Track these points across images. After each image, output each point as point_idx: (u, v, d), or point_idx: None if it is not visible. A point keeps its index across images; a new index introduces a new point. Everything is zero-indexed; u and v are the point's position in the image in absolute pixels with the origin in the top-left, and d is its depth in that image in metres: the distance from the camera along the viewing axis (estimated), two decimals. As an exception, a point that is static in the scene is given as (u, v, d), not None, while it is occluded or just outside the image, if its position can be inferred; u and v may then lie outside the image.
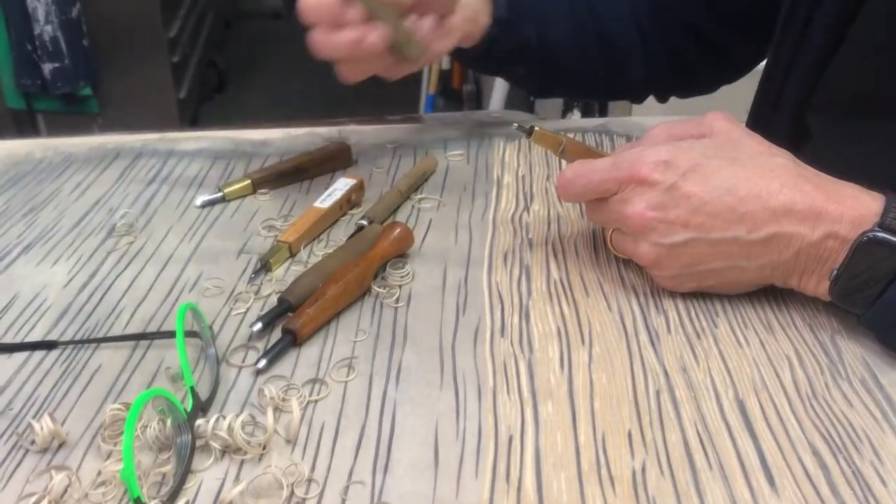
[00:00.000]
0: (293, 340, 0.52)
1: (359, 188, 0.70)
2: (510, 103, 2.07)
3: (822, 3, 0.64)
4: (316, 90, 3.77)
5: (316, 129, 0.84)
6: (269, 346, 0.51)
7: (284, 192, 0.72)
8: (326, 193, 0.68)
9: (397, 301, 0.56)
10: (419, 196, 0.71)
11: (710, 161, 0.51)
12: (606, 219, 0.56)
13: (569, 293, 0.56)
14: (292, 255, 0.63)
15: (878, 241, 0.47)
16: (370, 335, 0.53)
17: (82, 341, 0.52)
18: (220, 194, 0.71)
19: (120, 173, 0.76)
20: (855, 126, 0.62)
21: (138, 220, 0.68)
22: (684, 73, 0.83)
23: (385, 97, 2.62)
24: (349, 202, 0.69)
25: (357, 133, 0.83)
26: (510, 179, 0.73)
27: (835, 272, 0.49)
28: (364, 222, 0.65)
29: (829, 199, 0.49)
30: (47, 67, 2.36)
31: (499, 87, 2.06)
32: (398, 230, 0.61)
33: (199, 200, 0.70)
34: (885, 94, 0.60)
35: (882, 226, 0.48)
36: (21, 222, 0.68)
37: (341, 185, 0.69)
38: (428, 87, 2.28)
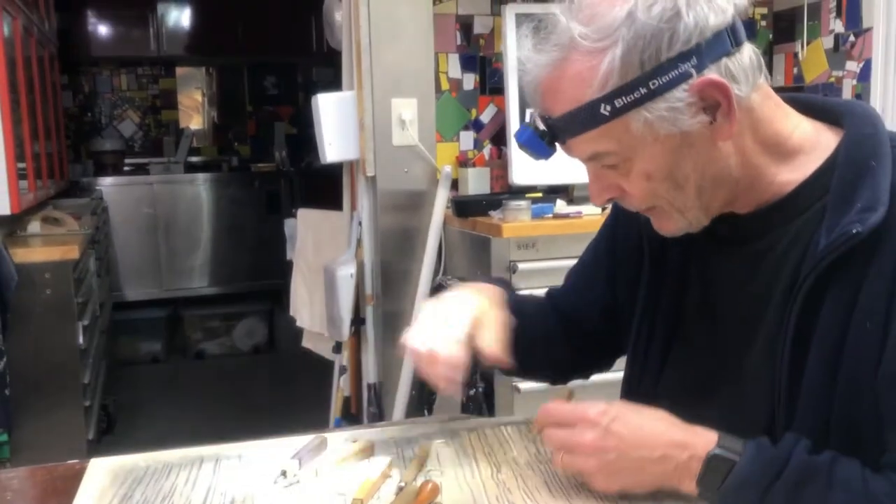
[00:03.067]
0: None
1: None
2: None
3: (656, 326, 1.09)
4: (204, 428, 3.97)
5: None
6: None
7: None
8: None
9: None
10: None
11: (627, 413, 0.93)
12: (563, 444, 0.94)
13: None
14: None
15: (717, 455, 0.89)
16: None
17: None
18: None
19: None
20: (685, 410, 1.03)
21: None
22: (584, 361, 1.28)
23: (294, 420, 2.90)
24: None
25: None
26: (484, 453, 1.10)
27: (697, 476, 0.89)
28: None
29: (689, 435, 0.90)
30: (-35, 418, 2.50)
31: (399, 404, 2.45)
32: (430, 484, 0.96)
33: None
34: (700, 389, 1.04)
35: (720, 446, 0.89)
36: None
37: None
38: (334, 411, 2.65)
